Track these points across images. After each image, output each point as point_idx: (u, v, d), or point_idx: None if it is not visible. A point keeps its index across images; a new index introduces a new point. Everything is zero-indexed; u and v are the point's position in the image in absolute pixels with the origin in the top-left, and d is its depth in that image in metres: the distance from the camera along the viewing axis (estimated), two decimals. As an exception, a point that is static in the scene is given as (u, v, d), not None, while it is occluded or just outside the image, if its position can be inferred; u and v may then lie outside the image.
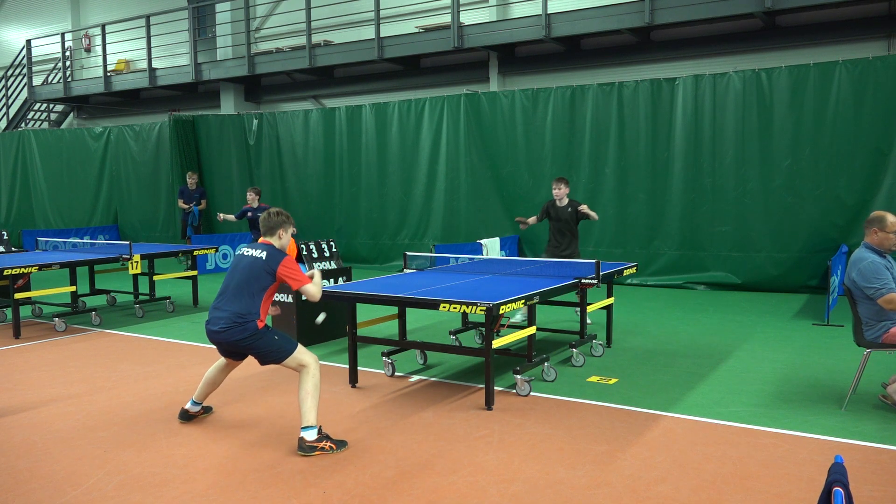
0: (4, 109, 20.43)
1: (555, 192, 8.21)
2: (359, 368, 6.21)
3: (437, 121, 12.99)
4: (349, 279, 7.91)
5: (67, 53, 19.54)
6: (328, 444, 4.48)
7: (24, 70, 20.28)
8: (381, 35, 14.21)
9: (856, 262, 5.12)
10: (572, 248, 8.26)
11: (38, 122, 20.60)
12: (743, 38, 11.95)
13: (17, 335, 8.05)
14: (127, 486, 4.04)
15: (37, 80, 20.60)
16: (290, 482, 4.07)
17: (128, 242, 9.26)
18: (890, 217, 5.14)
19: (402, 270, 7.36)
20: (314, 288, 4.80)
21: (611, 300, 7.22)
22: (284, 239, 4.94)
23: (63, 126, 20.64)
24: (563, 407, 5.31)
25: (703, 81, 10.60)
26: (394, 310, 6.74)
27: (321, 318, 5.37)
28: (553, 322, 8.26)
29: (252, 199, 11.14)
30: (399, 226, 13.53)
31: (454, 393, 5.72)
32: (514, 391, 5.69)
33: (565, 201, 8.22)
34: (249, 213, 11.06)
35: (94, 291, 9.98)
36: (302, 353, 4.69)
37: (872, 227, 5.17)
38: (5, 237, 10.11)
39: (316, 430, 4.48)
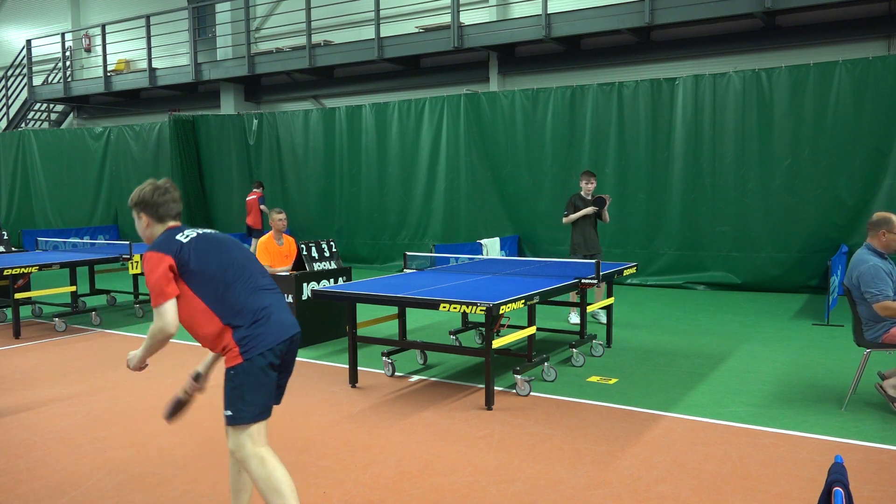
0: (4, 109, 20.43)
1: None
2: (359, 368, 6.21)
3: (437, 121, 12.99)
4: (349, 279, 7.90)
5: (67, 53, 19.53)
6: None
7: (24, 70, 20.28)
8: (381, 35, 14.21)
9: (857, 264, 5.10)
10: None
11: (38, 122, 20.60)
12: (743, 38, 11.95)
13: (17, 335, 8.05)
14: (127, 486, 4.04)
15: (37, 80, 20.60)
16: (290, 482, 4.06)
17: (128, 242, 9.26)
18: None
19: (402, 270, 7.36)
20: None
21: (611, 300, 7.22)
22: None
23: (63, 126, 20.63)
24: (563, 407, 5.31)
25: (703, 81, 10.60)
26: (394, 310, 6.74)
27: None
28: (553, 322, 8.26)
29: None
30: (399, 226, 13.53)
31: (454, 393, 5.72)
32: (514, 391, 5.69)
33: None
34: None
35: (94, 291, 9.98)
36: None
37: (880, 229, 5.09)
38: (5, 237, 10.10)
39: None
